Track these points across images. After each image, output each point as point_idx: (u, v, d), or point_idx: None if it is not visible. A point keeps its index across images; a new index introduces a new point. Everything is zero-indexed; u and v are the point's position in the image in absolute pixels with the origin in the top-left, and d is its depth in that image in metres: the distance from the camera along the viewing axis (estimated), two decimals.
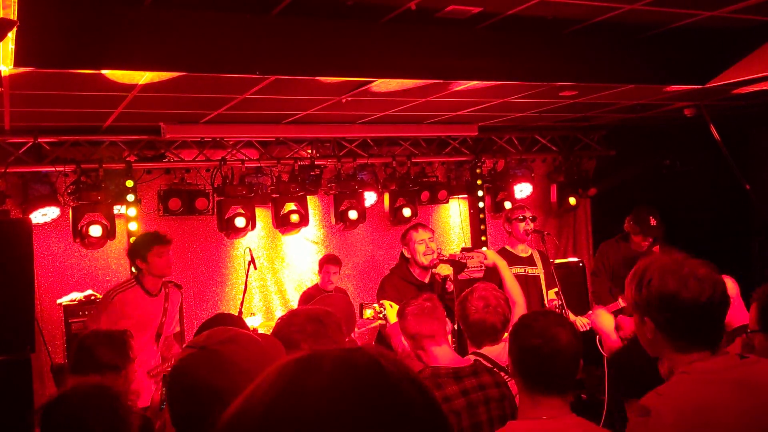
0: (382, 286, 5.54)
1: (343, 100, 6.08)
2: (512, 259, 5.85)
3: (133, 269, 5.65)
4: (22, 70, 4.26)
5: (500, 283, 4.74)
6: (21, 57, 4.03)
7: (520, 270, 5.88)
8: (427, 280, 5.48)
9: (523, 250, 6.03)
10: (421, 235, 5.50)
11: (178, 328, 6.02)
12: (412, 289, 5.32)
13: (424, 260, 5.39)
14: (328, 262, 7.12)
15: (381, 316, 4.71)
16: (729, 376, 2.10)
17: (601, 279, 6.87)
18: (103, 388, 2.59)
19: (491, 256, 5.30)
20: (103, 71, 4.54)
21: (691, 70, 6.15)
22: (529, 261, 5.99)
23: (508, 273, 5.02)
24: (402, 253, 5.61)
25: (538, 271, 5.92)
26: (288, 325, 2.84)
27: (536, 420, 2.32)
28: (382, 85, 5.63)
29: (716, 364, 2.12)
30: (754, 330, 2.82)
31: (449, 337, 4.06)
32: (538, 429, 2.30)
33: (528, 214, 6.00)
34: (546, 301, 5.81)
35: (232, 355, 1.81)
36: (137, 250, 5.46)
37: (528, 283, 5.77)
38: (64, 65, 4.34)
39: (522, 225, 5.94)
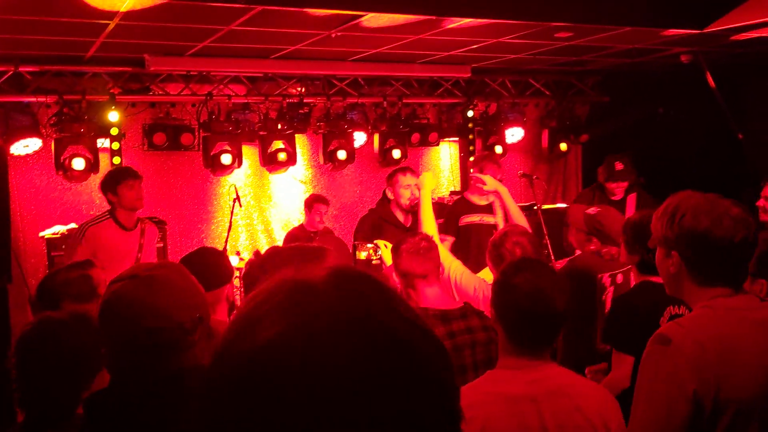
0: (360, 224, 5.51)
1: (333, 35, 5.92)
2: (468, 208, 5.82)
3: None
4: None
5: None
6: None
7: (476, 218, 5.79)
8: (409, 225, 5.44)
9: (480, 199, 5.83)
10: (409, 179, 5.50)
11: None
12: (391, 230, 5.30)
13: (407, 203, 5.40)
14: (318, 201, 6.99)
15: (377, 256, 4.64)
16: (752, 315, 2.13)
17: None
18: (80, 314, 2.54)
19: (491, 182, 5.07)
20: None
21: (689, 14, 6.00)
22: (487, 209, 5.79)
23: (510, 200, 4.87)
24: (384, 193, 5.56)
25: (498, 219, 5.56)
26: (260, 267, 2.43)
27: (516, 370, 2.26)
28: (373, 20, 5.47)
29: (739, 302, 2.15)
30: (753, 273, 2.84)
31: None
32: (517, 379, 2.25)
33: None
34: None
35: (168, 277, 1.87)
36: (108, 183, 5.46)
37: (482, 233, 5.52)
38: None
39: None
